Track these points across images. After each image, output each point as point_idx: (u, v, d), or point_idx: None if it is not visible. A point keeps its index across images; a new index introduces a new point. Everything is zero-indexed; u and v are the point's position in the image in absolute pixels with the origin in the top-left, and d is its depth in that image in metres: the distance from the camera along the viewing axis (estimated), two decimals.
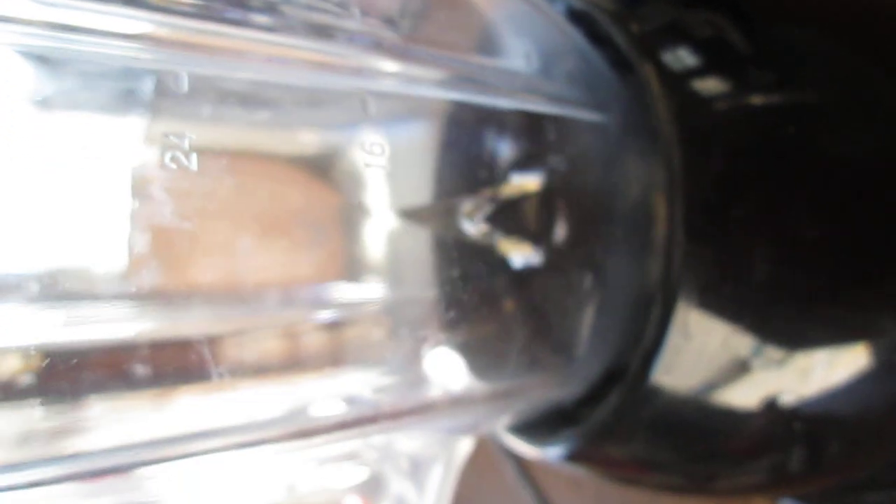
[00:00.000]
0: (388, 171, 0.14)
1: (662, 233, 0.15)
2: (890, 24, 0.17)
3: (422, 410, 0.15)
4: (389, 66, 0.14)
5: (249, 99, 0.12)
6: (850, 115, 0.16)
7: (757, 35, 0.16)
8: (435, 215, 0.15)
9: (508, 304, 0.15)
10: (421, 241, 0.15)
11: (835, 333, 0.16)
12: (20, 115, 0.10)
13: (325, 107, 0.14)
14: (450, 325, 0.14)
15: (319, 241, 0.13)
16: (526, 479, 0.30)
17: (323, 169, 0.13)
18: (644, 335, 0.15)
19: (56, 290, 0.10)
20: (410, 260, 0.14)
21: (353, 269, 0.14)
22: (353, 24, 0.13)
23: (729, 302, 0.15)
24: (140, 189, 0.11)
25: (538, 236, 0.15)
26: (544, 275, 0.16)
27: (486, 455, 0.32)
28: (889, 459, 0.17)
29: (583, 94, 0.16)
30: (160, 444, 0.12)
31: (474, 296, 0.14)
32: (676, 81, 0.16)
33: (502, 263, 0.15)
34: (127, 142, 0.11)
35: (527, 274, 0.15)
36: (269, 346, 0.13)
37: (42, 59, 0.10)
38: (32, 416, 0.10)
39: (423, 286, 0.14)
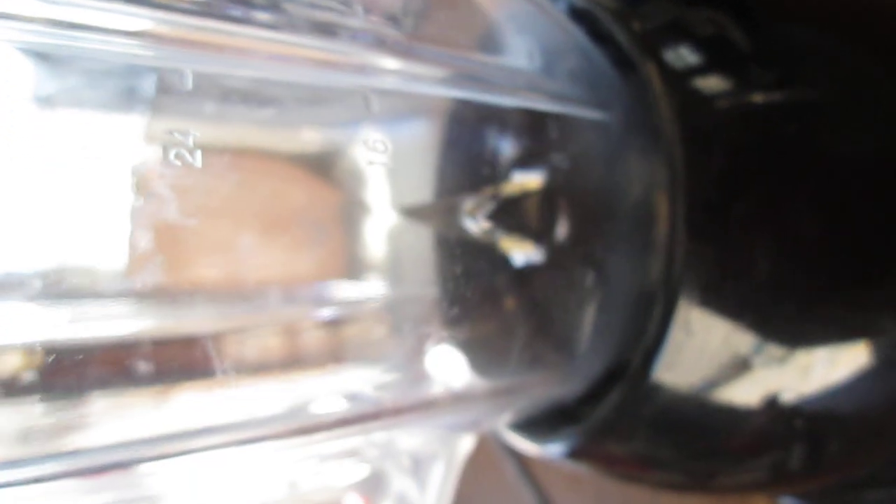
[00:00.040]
0: (390, 168, 0.14)
1: (664, 231, 0.15)
2: (891, 23, 0.17)
3: (423, 407, 0.15)
4: (392, 63, 0.14)
5: (253, 96, 0.12)
6: (852, 113, 0.16)
7: (758, 33, 0.16)
8: (437, 213, 0.15)
9: (510, 302, 0.15)
10: (423, 239, 0.15)
11: (835, 331, 0.16)
12: (25, 113, 0.10)
13: (327, 104, 0.14)
14: (452, 323, 0.14)
15: (322, 238, 0.13)
16: (526, 476, 0.30)
17: (326, 166, 0.13)
18: (645, 333, 0.15)
19: (61, 287, 0.10)
20: (412, 257, 0.14)
21: (355, 266, 0.14)
22: (356, 21, 0.13)
23: (730, 300, 0.15)
24: (145, 186, 0.11)
25: (540, 234, 0.15)
26: (546, 272, 0.16)
27: (486, 453, 0.32)
28: (889, 457, 0.17)
29: (585, 92, 0.16)
30: (162, 441, 0.12)
31: (476, 293, 0.15)
32: (678, 80, 0.16)
33: (504, 261, 0.15)
34: (131, 139, 0.11)
35: (529, 271, 0.15)
36: (271, 342, 0.13)
37: (45, 57, 0.10)
38: (35, 412, 0.10)
39: (426, 283, 0.14)
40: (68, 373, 0.11)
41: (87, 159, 0.11)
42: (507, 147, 0.15)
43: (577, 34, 0.17)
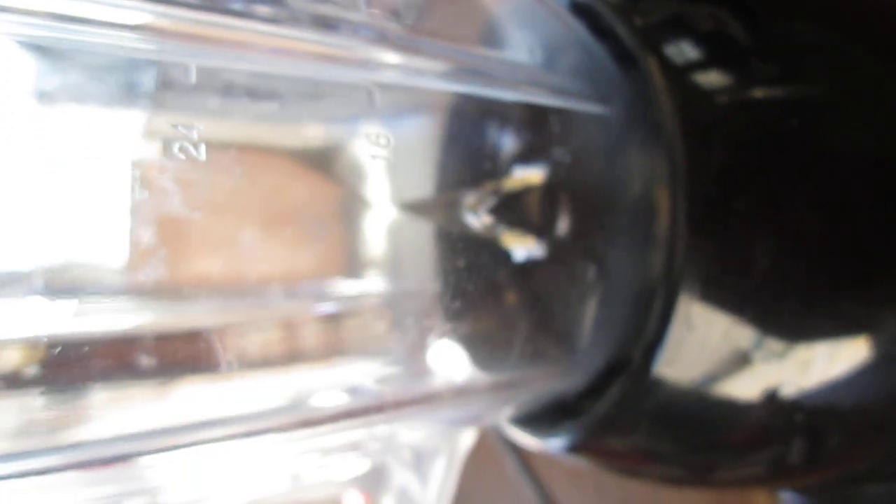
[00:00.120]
0: (392, 163, 0.14)
1: (665, 225, 0.15)
2: (891, 23, 0.17)
3: (425, 401, 0.15)
4: (393, 57, 0.14)
5: (255, 90, 0.12)
6: (853, 110, 0.16)
7: (760, 29, 0.16)
8: (439, 207, 0.15)
9: (511, 296, 0.15)
10: (425, 233, 0.15)
11: (835, 326, 0.16)
12: (27, 107, 0.10)
13: (329, 98, 0.14)
14: (453, 317, 0.14)
15: (325, 232, 0.13)
16: (527, 471, 0.31)
17: (328, 160, 0.13)
18: (646, 327, 0.15)
19: (65, 280, 0.10)
20: (414, 251, 0.14)
21: (358, 259, 0.14)
22: (357, 15, 0.13)
23: (731, 295, 0.15)
24: (149, 180, 0.11)
25: (541, 229, 0.15)
26: (547, 267, 0.16)
27: (486, 448, 0.32)
28: (889, 452, 0.17)
29: (586, 86, 0.16)
30: (164, 434, 0.12)
31: (478, 287, 0.15)
32: (679, 75, 0.16)
33: (505, 255, 0.15)
34: (135, 133, 0.11)
35: (530, 266, 0.15)
36: (273, 336, 0.13)
37: (48, 51, 0.10)
38: (39, 405, 0.10)
39: (427, 278, 0.14)
40: (72, 366, 0.11)
41: (92, 153, 0.11)
42: (508, 141, 0.15)
43: (578, 29, 0.17)
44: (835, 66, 0.16)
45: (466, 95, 0.15)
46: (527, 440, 0.19)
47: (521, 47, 0.16)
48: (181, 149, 0.11)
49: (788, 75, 0.16)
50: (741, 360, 0.15)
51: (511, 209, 0.15)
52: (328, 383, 0.14)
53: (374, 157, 0.13)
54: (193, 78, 0.11)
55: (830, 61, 0.16)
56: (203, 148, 0.11)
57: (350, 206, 0.13)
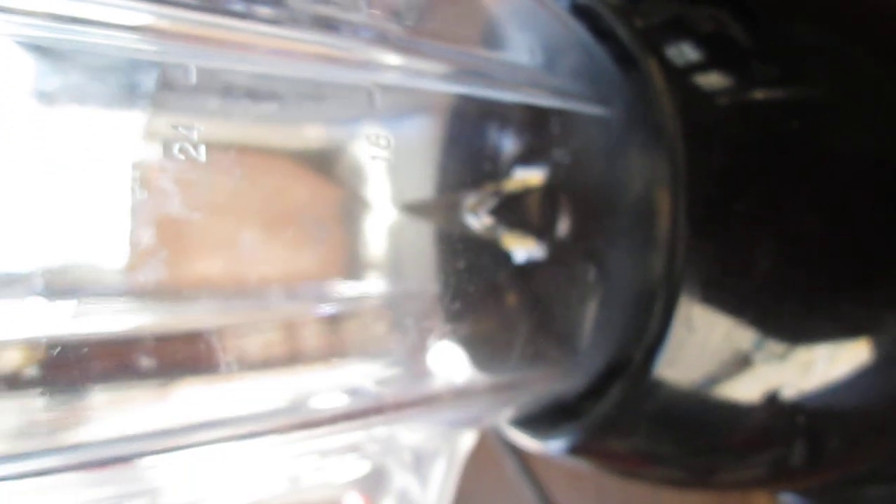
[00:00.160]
0: (392, 164, 0.14)
1: (665, 227, 0.15)
2: (891, 23, 0.17)
3: (425, 402, 0.15)
4: (394, 59, 0.14)
5: (255, 91, 0.12)
6: (853, 111, 0.16)
7: (760, 30, 0.16)
8: (439, 209, 0.15)
9: (512, 298, 0.15)
10: (425, 235, 0.15)
11: (836, 328, 0.16)
12: (28, 107, 0.10)
13: (330, 100, 0.14)
14: (454, 318, 0.14)
15: (325, 234, 0.13)
16: (527, 473, 0.31)
17: (328, 161, 0.13)
18: (647, 329, 0.15)
19: (65, 281, 0.10)
20: (415, 253, 0.14)
21: (358, 261, 0.14)
22: (358, 16, 0.13)
23: (731, 296, 0.15)
24: (150, 180, 0.11)
25: (542, 230, 0.15)
26: (548, 268, 0.16)
27: (486, 449, 0.32)
28: (890, 454, 0.17)
29: (586, 88, 0.16)
30: (164, 435, 0.12)
31: (478, 289, 0.15)
32: (680, 76, 0.16)
33: (506, 257, 0.15)
34: (136, 133, 0.11)
35: (530, 267, 0.15)
36: (273, 338, 0.13)
37: (48, 52, 0.10)
38: (38, 406, 0.10)
39: (428, 279, 0.14)
40: (71, 367, 0.11)
41: (92, 154, 0.11)
42: (508, 143, 0.15)
43: (578, 30, 0.17)
44: (835, 67, 0.16)
45: (467, 97, 0.15)
46: (527, 442, 0.19)
47: (521, 49, 0.16)
48: (181, 150, 0.11)
49: (789, 77, 0.16)
50: (742, 362, 0.15)
51: (511, 210, 0.15)
52: (328, 385, 0.14)
53: (374, 158, 0.13)
54: (194, 79, 0.11)
55: (831, 63, 0.16)
56: (203, 149, 0.11)
57: (350, 208, 0.13)
